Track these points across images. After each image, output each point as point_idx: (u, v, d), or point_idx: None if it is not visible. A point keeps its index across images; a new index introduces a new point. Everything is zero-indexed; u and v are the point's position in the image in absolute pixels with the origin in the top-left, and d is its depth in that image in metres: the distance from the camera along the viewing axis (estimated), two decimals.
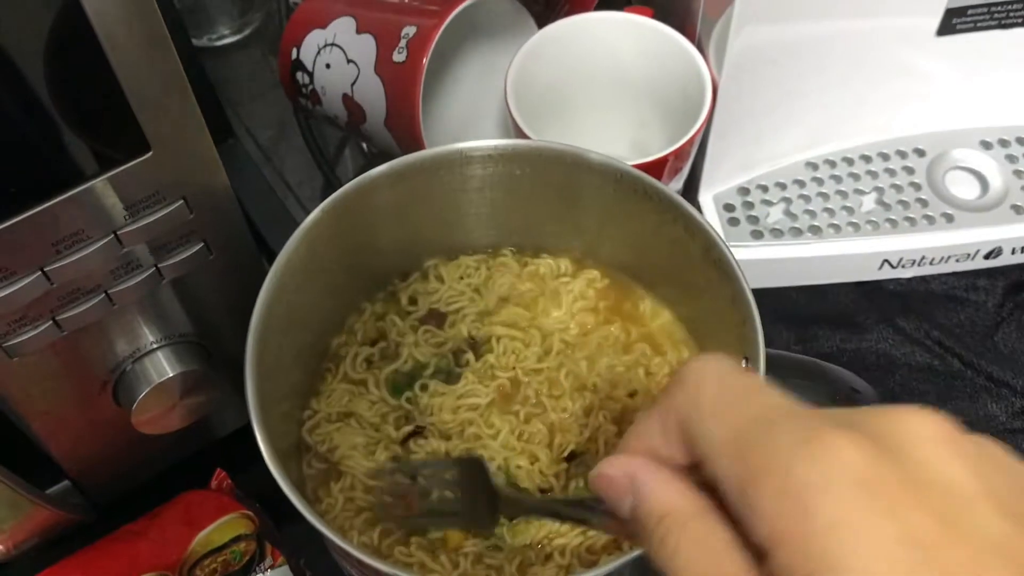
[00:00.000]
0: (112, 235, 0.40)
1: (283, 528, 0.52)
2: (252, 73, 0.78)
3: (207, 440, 0.55)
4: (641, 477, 0.27)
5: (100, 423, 0.48)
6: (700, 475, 0.26)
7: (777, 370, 0.39)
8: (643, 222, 0.47)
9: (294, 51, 0.62)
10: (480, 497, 0.40)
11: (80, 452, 0.49)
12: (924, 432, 0.24)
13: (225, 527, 0.50)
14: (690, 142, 0.53)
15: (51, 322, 0.41)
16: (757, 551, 0.24)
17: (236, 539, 0.50)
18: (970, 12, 0.56)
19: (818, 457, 0.23)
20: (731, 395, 0.26)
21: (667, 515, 0.26)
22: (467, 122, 0.64)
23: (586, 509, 0.33)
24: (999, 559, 0.22)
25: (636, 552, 0.37)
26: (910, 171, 0.63)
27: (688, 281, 0.47)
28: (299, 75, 0.62)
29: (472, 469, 0.41)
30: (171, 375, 0.46)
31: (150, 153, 0.38)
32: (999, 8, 0.57)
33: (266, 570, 0.48)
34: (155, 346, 0.46)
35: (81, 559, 0.50)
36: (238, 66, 0.79)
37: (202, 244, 0.44)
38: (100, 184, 0.38)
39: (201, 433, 0.54)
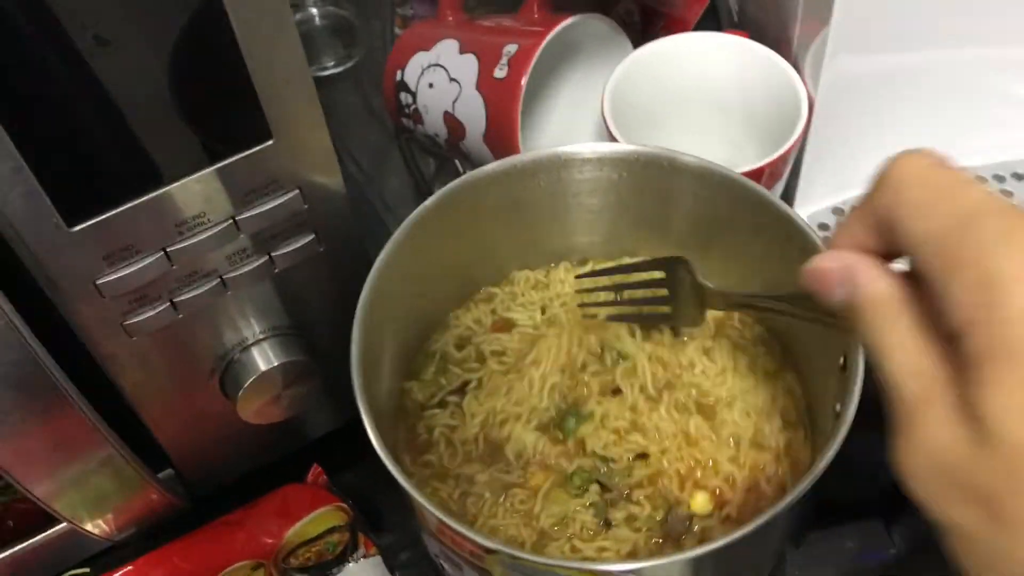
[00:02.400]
0: (231, 220, 0.42)
1: (379, 528, 0.53)
2: (353, 103, 0.81)
3: (304, 440, 0.57)
4: (857, 268, 0.29)
5: (206, 412, 0.50)
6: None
7: None
8: (742, 229, 0.48)
9: (399, 73, 0.64)
10: (687, 294, 0.46)
11: (185, 440, 0.51)
12: None
13: (320, 519, 0.51)
14: (785, 155, 0.54)
15: (168, 303, 0.43)
16: (950, 336, 0.25)
17: (330, 530, 0.51)
18: None
19: (1014, 251, 0.24)
20: (934, 192, 0.27)
21: (881, 304, 0.28)
22: (562, 139, 0.66)
23: (787, 302, 0.40)
24: None
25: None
26: (1009, 195, 0.62)
27: (785, 286, 0.47)
28: (403, 95, 0.64)
29: (678, 268, 0.46)
30: (276, 364, 0.48)
31: (271, 141, 0.40)
32: None
33: (359, 559, 0.49)
34: (262, 336, 0.48)
35: (179, 546, 0.52)
36: (340, 96, 0.82)
37: (313, 236, 0.45)
38: (223, 168, 0.40)
39: (298, 432, 0.56)
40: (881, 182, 0.29)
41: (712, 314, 0.50)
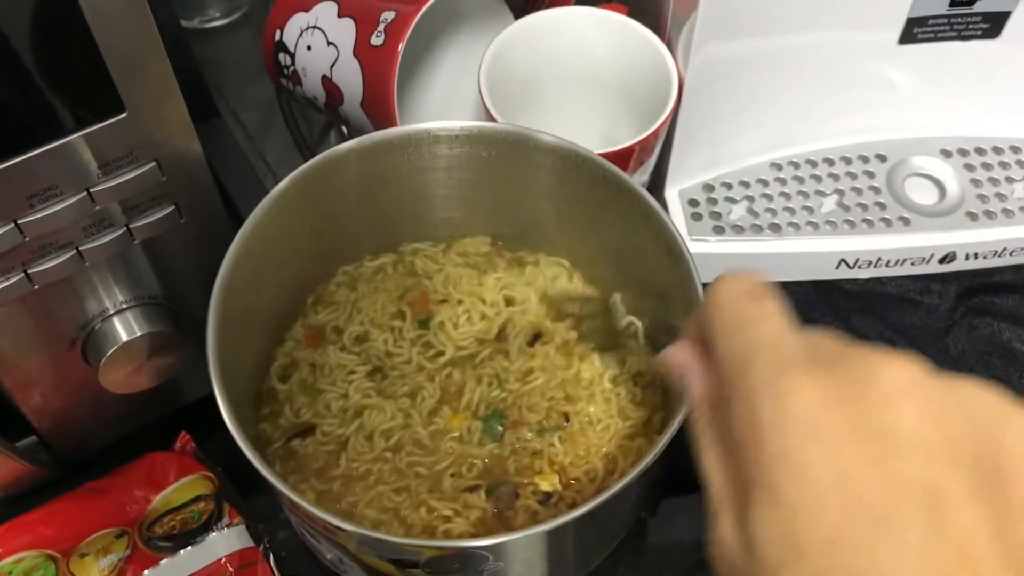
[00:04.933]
0: (85, 192, 0.41)
1: (246, 498, 0.54)
2: (241, 56, 0.79)
3: (175, 404, 0.56)
4: (690, 367, 0.33)
5: (69, 380, 0.50)
6: None
7: None
8: (602, 207, 0.49)
9: (278, 33, 0.63)
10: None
11: (49, 408, 0.51)
12: (893, 379, 0.26)
13: (185, 487, 0.52)
14: (654, 135, 0.55)
15: (23, 275, 0.42)
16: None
17: (195, 499, 0.51)
18: (931, 22, 0.58)
19: (777, 397, 0.27)
20: (736, 323, 0.30)
21: (704, 402, 0.31)
22: (444, 109, 0.66)
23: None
24: (906, 491, 0.25)
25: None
26: (871, 175, 0.65)
27: (642, 264, 0.48)
28: (281, 56, 0.63)
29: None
30: (139, 335, 0.48)
31: (124, 114, 0.40)
32: (959, 20, 0.58)
33: (223, 528, 0.49)
34: (124, 306, 0.48)
35: (43, 513, 0.51)
36: (227, 48, 0.80)
37: (173, 207, 0.45)
38: (75, 141, 0.39)
39: (168, 397, 0.55)
40: (705, 299, 0.32)
41: None
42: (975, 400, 0.26)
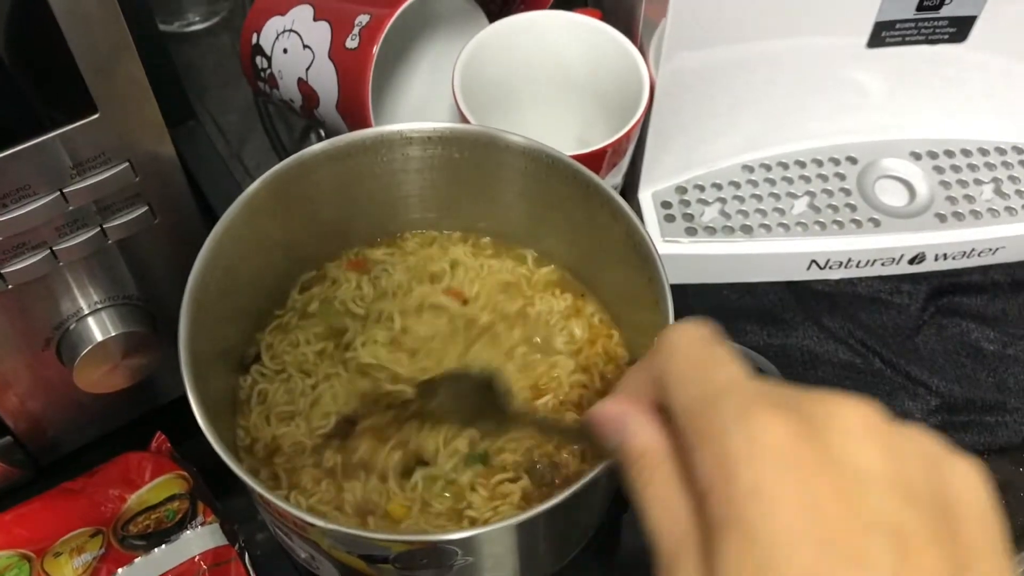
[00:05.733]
0: (58, 192, 0.42)
1: (224, 499, 0.54)
2: (220, 60, 0.80)
3: (151, 404, 0.57)
4: (629, 418, 0.32)
5: (44, 380, 0.50)
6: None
7: None
8: (572, 208, 0.50)
9: (254, 36, 0.64)
10: (487, 409, 0.46)
11: (24, 408, 0.51)
12: (851, 420, 0.27)
13: (160, 487, 0.52)
14: (626, 137, 0.56)
15: None
16: (700, 496, 0.28)
17: (170, 498, 0.51)
18: (899, 26, 0.59)
19: (748, 431, 0.27)
20: (694, 367, 0.30)
21: (643, 455, 0.30)
22: (420, 112, 0.66)
23: (575, 435, 0.45)
24: (877, 529, 0.25)
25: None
26: (842, 177, 0.65)
27: (612, 265, 0.49)
28: (258, 59, 0.64)
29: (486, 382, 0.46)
30: (113, 335, 0.48)
31: (97, 115, 0.40)
32: (926, 24, 0.59)
33: (197, 527, 0.50)
34: (99, 306, 0.48)
35: (17, 513, 0.52)
36: (206, 52, 0.81)
37: (146, 208, 0.45)
38: (47, 141, 0.40)
39: (144, 397, 0.56)
40: (658, 345, 0.31)
41: None
42: (923, 443, 0.28)
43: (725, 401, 0.28)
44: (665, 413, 0.31)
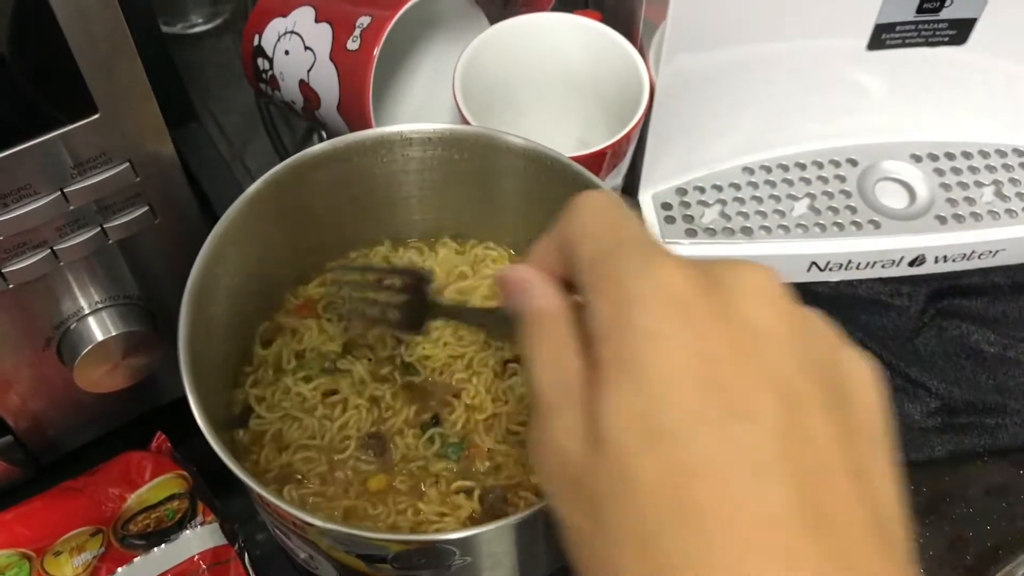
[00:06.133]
0: (59, 192, 0.42)
1: (224, 499, 0.54)
2: (221, 61, 0.80)
3: (151, 404, 0.57)
4: (531, 283, 0.31)
5: (44, 379, 0.50)
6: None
7: None
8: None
9: (256, 38, 0.64)
10: (416, 304, 0.45)
11: (24, 407, 0.51)
12: (753, 281, 0.27)
13: (160, 486, 0.52)
14: (626, 139, 0.56)
15: None
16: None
17: (170, 498, 0.51)
18: (899, 28, 0.59)
19: (647, 277, 0.27)
20: (601, 224, 0.30)
21: (540, 317, 0.30)
22: (421, 114, 0.66)
23: (492, 315, 0.43)
24: (768, 385, 0.25)
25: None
26: (842, 179, 0.66)
27: None
28: (260, 61, 0.64)
29: (416, 279, 0.46)
30: (114, 334, 0.48)
31: (97, 115, 0.40)
32: (926, 26, 0.60)
33: (197, 527, 0.50)
34: (100, 306, 0.48)
35: (18, 512, 0.52)
36: (209, 54, 0.81)
37: (147, 208, 0.46)
38: (48, 141, 0.40)
39: (145, 397, 0.56)
40: (567, 210, 0.31)
41: None
42: (823, 326, 0.28)
43: (629, 249, 0.28)
44: (571, 285, 0.31)
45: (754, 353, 0.26)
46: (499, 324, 0.39)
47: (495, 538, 0.41)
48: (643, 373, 0.25)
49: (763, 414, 0.25)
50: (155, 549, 0.49)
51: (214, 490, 0.54)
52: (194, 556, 0.49)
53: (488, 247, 0.56)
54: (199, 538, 0.49)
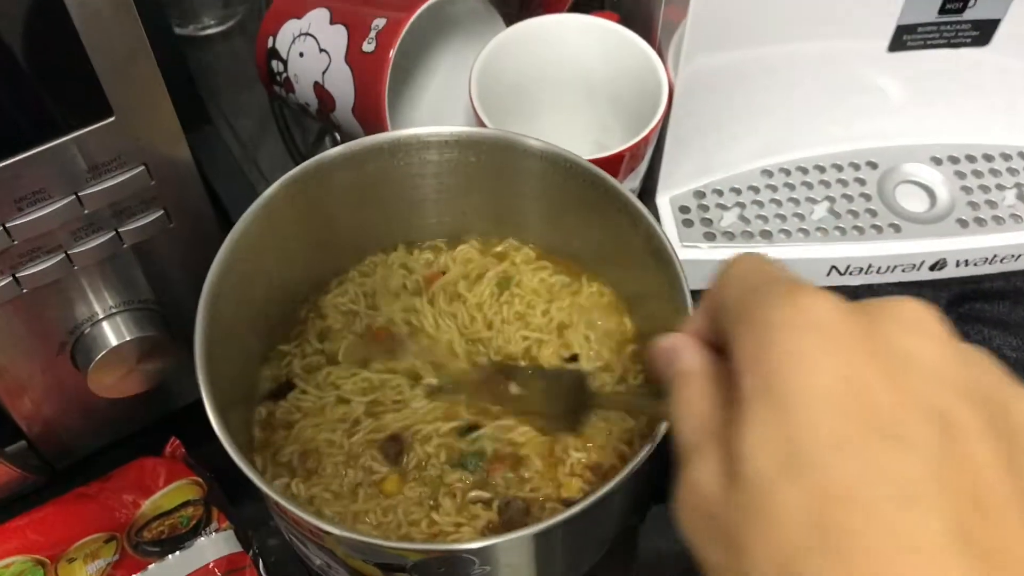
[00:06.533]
0: (73, 196, 0.41)
1: (237, 504, 0.54)
2: (235, 64, 0.80)
3: (166, 409, 0.56)
4: (682, 347, 0.31)
5: (58, 385, 0.50)
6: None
7: None
8: (591, 212, 0.49)
9: (270, 40, 0.63)
10: (569, 402, 0.46)
11: (38, 413, 0.51)
12: (906, 310, 0.26)
13: (175, 492, 0.52)
14: (644, 141, 0.55)
15: (11, 279, 0.43)
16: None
17: (184, 504, 0.51)
18: (920, 30, 0.59)
19: (791, 304, 0.26)
20: (747, 269, 0.29)
21: (686, 373, 0.30)
22: (436, 116, 0.66)
23: (648, 396, 0.44)
24: (921, 410, 0.24)
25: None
26: (862, 182, 0.65)
27: (631, 269, 0.48)
28: (274, 63, 0.63)
29: (571, 380, 0.47)
30: (128, 339, 0.48)
31: (113, 118, 0.40)
32: (948, 27, 0.59)
33: (211, 533, 0.49)
34: (114, 310, 0.48)
35: (32, 518, 0.51)
36: (222, 56, 0.80)
37: (162, 212, 0.45)
38: (62, 145, 0.39)
39: (159, 402, 0.55)
40: (721, 274, 0.30)
41: None
42: (986, 361, 0.26)
43: (775, 284, 0.27)
44: (721, 349, 0.30)
45: (906, 379, 0.24)
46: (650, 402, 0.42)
47: (515, 548, 0.41)
48: (785, 398, 0.24)
49: (915, 439, 0.23)
50: (169, 556, 0.49)
51: (228, 495, 0.53)
52: (209, 564, 0.48)
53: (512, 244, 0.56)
54: (214, 545, 0.49)
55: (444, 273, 0.54)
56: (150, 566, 0.49)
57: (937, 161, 0.66)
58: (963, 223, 0.63)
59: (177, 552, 0.49)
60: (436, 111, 0.66)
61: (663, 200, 0.63)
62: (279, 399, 0.50)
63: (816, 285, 0.27)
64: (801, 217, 0.63)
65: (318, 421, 0.49)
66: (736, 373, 0.26)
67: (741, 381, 0.26)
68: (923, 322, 0.26)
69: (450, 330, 0.52)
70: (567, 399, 0.47)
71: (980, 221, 0.63)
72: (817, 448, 0.23)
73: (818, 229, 0.63)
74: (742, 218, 0.63)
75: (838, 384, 0.24)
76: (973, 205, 0.64)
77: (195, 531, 0.50)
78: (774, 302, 0.26)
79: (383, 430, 0.49)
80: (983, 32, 0.60)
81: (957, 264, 0.63)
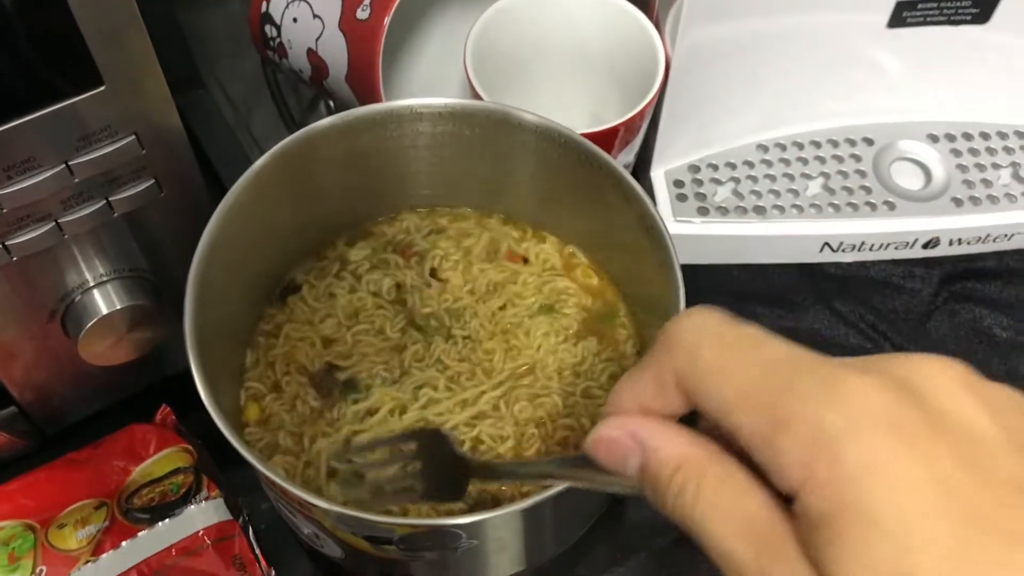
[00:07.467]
0: (63, 165, 0.41)
1: (227, 470, 0.54)
2: (228, 28, 0.78)
3: (157, 376, 0.56)
4: (646, 433, 0.27)
5: (49, 352, 0.50)
6: (702, 424, 0.27)
7: None
8: (584, 187, 0.49)
9: (264, 4, 0.63)
10: (444, 468, 0.40)
11: (29, 379, 0.51)
12: (943, 377, 0.24)
13: (165, 459, 0.52)
14: (640, 115, 0.55)
15: (0, 246, 0.42)
16: (782, 495, 0.24)
17: (175, 471, 0.51)
18: (920, 6, 0.58)
19: (844, 401, 0.23)
20: (734, 352, 0.26)
21: (683, 464, 0.26)
22: (430, 86, 0.65)
23: (572, 467, 0.32)
24: (1013, 495, 0.22)
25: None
26: (857, 159, 0.64)
27: (623, 246, 0.48)
28: (268, 28, 0.63)
29: (432, 440, 0.41)
30: (119, 307, 0.48)
31: (103, 87, 0.40)
32: (948, 4, 0.58)
33: (201, 501, 0.50)
34: (105, 279, 0.48)
35: (22, 483, 0.51)
36: (216, 20, 0.79)
37: (153, 181, 0.45)
38: (52, 113, 0.39)
39: (150, 369, 0.55)
40: (670, 341, 0.27)
41: None
42: (1017, 398, 0.25)
43: (802, 374, 0.24)
44: (682, 420, 0.27)
45: (983, 459, 0.23)
46: (574, 472, 0.32)
47: (502, 523, 0.41)
48: (874, 516, 0.22)
49: None
50: (159, 524, 0.49)
51: (218, 461, 0.53)
52: (199, 531, 0.49)
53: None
54: (203, 513, 0.49)
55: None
56: (140, 533, 0.49)
57: (933, 139, 0.66)
58: (958, 202, 0.63)
59: (167, 519, 0.49)
60: (430, 81, 0.66)
61: (658, 174, 0.63)
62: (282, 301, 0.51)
63: (822, 355, 0.25)
64: (795, 193, 0.63)
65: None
66: (789, 483, 0.23)
67: (802, 493, 0.23)
68: (964, 382, 0.24)
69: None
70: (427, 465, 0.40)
71: (975, 200, 0.63)
72: (935, 566, 0.21)
73: (812, 205, 0.62)
74: (736, 193, 0.63)
75: (924, 488, 0.22)
76: (968, 184, 0.64)
77: (185, 499, 0.50)
78: (812, 400, 0.23)
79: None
80: (983, 9, 0.59)
81: (950, 243, 0.63)
